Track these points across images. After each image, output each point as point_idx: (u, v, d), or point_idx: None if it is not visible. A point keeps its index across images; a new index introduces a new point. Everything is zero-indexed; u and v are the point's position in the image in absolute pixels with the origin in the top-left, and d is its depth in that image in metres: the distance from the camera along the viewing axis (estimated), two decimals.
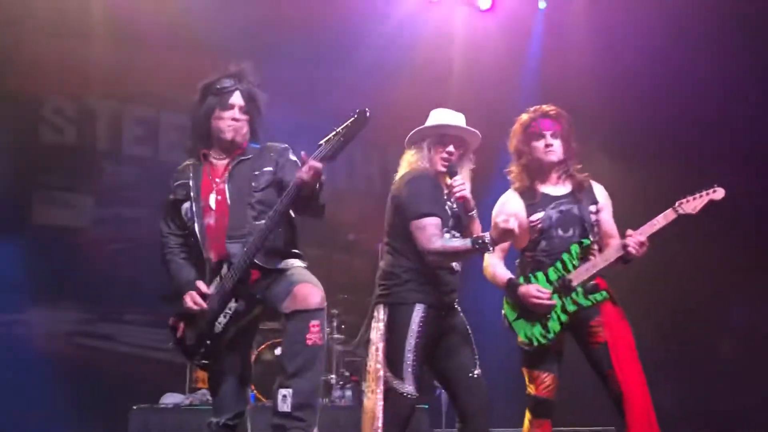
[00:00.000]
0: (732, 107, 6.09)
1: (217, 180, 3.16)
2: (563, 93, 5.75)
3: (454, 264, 3.22)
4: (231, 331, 3.04)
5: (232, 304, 3.02)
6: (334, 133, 2.89)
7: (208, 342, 3.06)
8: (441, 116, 3.35)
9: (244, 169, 3.16)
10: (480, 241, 2.97)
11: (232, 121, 3.15)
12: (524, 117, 3.52)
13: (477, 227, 3.33)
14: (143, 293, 5.62)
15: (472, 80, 6.29)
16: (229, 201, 3.11)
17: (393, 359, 3.13)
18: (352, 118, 2.86)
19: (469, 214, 3.27)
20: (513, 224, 2.89)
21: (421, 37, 6.31)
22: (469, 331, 3.28)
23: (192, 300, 3.05)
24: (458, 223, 3.28)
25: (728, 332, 6.63)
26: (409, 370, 3.11)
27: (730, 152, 6.14)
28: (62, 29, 5.60)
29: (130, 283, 5.90)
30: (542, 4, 6.43)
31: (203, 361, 3.12)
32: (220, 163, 3.20)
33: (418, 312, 3.14)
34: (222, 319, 3.04)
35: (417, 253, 3.15)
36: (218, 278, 3.07)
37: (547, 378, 3.30)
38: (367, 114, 2.85)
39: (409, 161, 3.34)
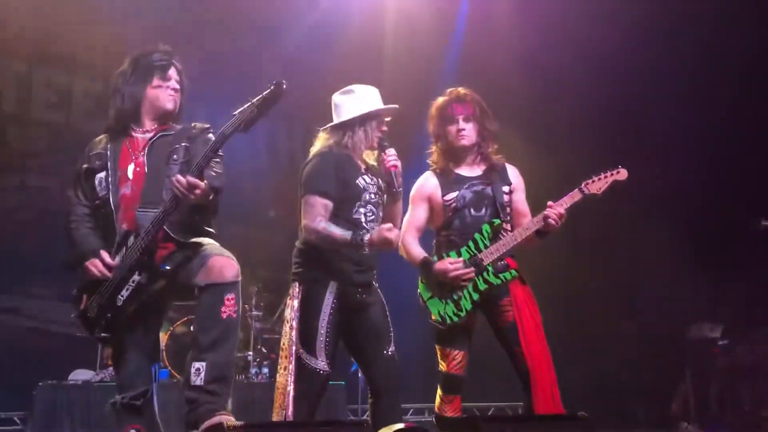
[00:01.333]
0: (654, 95, 6.29)
1: (137, 153, 3.11)
2: (486, 72, 5.85)
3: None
4: (133, 304, 2.96)
5: (135, 277, 2.95)
6: (248, 104, 2.86)
7: (109, 315, 2.98)
8: (366, 95, 3.33)
9: (164, 144, 3.12)
10: (359, 238, 3.03)
11: (172, 91, 3.16)
12: (439, 100, 3.59)
13: (398, 208, 3.34)
14: (50, 265, 5.40)
15: (401, 58, 6.29)
16: (146, 172, 3.06)
17: (306, 336, 3.14)
18: (268, 90, 2.84)
19: (395, 190, 3.27)
20: (394, 235, 2.99)
21: (352, 13, 6.26)
22: (386, 309, 3.30)
23: (96, 268, 2.97)
24: (379, 198, 3.27)
25: (633, 314, 6.93)
26: (322, 346, 3.13)
27: (649, 138, 6.37)
28: None
29: (37, 255, 5.66)
30: None
31: (103, 335, 3.03)
32: (141, 137, 3.15)
33: (331, 289, 3.16)
34: (124, 293, 2.95)
35: None
36: (124, 249, 2.99)
37: (458, 355, 3.38)
38: (284, 86, 2.84)
39: (323, 138, 3.33)
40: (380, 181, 3.29)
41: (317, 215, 3.13)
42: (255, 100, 2.85)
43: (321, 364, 3.12)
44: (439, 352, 3.44)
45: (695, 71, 6.09)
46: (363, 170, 3.27)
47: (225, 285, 2.93)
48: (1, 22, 5.42)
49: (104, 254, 3.00)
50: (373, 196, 3.26)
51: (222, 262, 2.96)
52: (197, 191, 2.84)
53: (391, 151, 3.24)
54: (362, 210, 3.22)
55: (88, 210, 3.12)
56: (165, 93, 3.15)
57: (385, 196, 3.32)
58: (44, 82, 5.97)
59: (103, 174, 3.08)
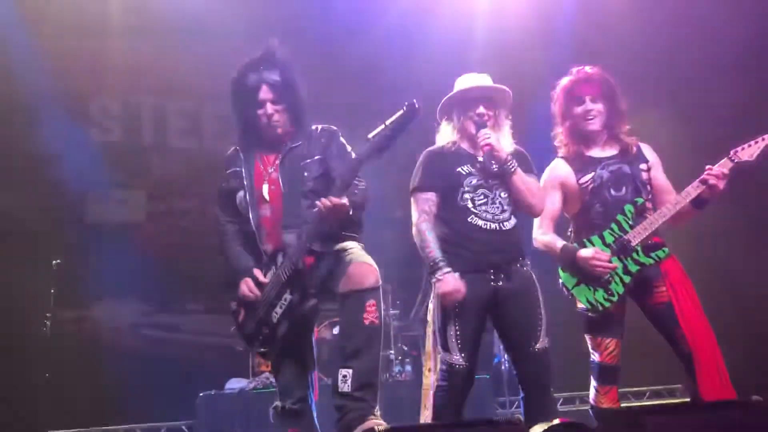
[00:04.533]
0: None
1: (269, 169, 3.15)
2: (598, 51, 5.57)
3: (485, 221, 3.14)
4: (286, 321, 3.04)
5: (287, 296, 3.02)
6: (382, 126, 2.86)
7: (266, 330, 3.08)
8: (462, 81, 3.32)
9: (295, 158, 3.14)
10: (434, 265, 3.04)
11: (266, 119, 3.12)
12: (564, 81, 3.44)
13: (521, 184, 3.17)
14: (202, 282, 5.74)
15: (497, 44, 6.12)
16: (282, 191, 3.11)
17: (440, 332, 3.13)
18: (401, 112, 2.84)
19: (505, 166, 3.15)
20: (457, 291, 3.00)
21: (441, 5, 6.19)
22: (537, 297, 3.14)
23: (247, 287, 3.08)
24: (485, 182, 3.19)
25: None
26: (453, 340, 3.08)
27: None
28: (101, 29, 5.67)
29: (188, 273, 6.02)
30: None
31: (262, 349, 3.15)
32: (271, 152, 3.18)
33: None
34: (278, 310, 3.04)
35: (440, 219, 3.18)
36: (273, 267, 3.08)
37: (611, 344, 3.23)
38: (417, 106, 2.83)
39: (441, 132, 3.34)
40: (488, 164, 3.16)
41: (420, 211, 3.17)
42: (389, 122, 2.84)
43: (455, 358, 3.07)
44: (590, 342, 3.29)
45: None
46: (467, 156, 3.22)
47: (365, 291, 2.96)
48: (132, 63, 5.82)
49: (257, 272, 3.09)
50: (476, 180, 3.18)
51: (362, 268, 2.99)
52: (342, 211, 2.89)
53: (483, 132, 3.14)
54: (467, 196, 3.16)
55: (237, 227, 3.20)
56: (261, 122, 3.11)
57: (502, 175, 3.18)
58: (176, 111, 6.35)
59: (241, 193, 3.15)
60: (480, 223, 3.15)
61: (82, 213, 6.22)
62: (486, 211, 3.15)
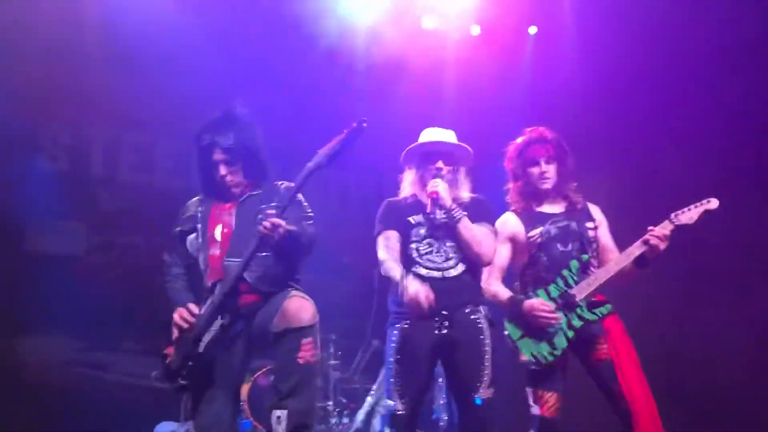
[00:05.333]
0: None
1: (224, 214, 3.18)
2: (554, 111, 5.80)
3: (428, 270, 3.20)
4: (214, 350, 2.97)
5: (218, 321, 2.98)
6: (331, 142, 2.94)
7: (191, 363, 2.98)
8: (426, 134, 3.42)
9: (252, 203, 3.17)
10: (400, 279, 3.04)
11: (221, 178, 3.17)
12: (519, 140, 3.59)
13: (464, 229, 3.21)
14: (138, 321, 5.57)
15: (465, 102, 6.33)
16: (233, 233, 3.12)
17: (386, 378, 3.18)
18: (349, 128, 2.92)
19: (450, 214, 3.20)
20: (422, 300, 2.95)
21: (415, 62, 6.36)
22: (484, 344, 3.15)
23: (180, 315, 3.03)
24: (434, 229, 3.26)
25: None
26: (392, 387, 3.11)
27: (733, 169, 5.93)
28: (55, 55, 5.60)
29: (125, 312, 5.83)
30: (533, 30, 6.52)
31: (182, 382, 3.01)
32: (230, 200, 3.22)
33: (398, 326, 3.17)
34: (206, 337, 2.97)
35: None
36: (210, 299, 3.05)
37: (551, 397, 3.29)
38: (364, 124, 2.90)
39: (404, 181, 3.46)
40: (435, 213, 3.23)
41: (386, 248, 3.23)
42: (338, 136, 2.93)
43: (394, 405, 3.08)
44: (531, 395, 3.33)
45: None
46: (419, 207, 3.31)
47: (301, 329, 2.94)
48: (87, 94, 5.74)
49: (191, 305, 3.06)
50: (424, 229, 3.25)
51: (298, 304, 2.97)
52: (280, 230, 2.87)
53: (433, 181, 3.24)
54: (414, 246, 3.23)
55: (181, 270, 3.23)
56: (217, 178, 3.18)
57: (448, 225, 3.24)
58: (129, 145, 6.24)
59: (193, 236, 3.19)
60: (422, 272, 3.19)
61: (20, 242, 6.00)
62: (430, 260, 3.21)
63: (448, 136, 3.40)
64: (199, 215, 3.19)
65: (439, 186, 3.20)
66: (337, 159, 2.92)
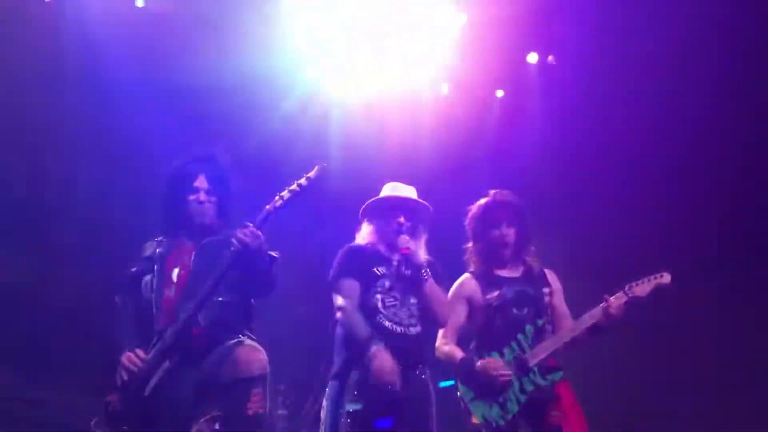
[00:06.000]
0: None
1: (184, 256, 3.12)
2: (519, 175, 5.90)
3: (392, 324, 3.19)
4: (160, 396, 2.86)
5: (166, 364, 2.88)
6: (293, 185, 2.95)
7: (134, 408, 2.88)
8: (389, 188, 3.47)
9: (212, 247, 3.10)
10: (366, 341, 3.04)
11: (197, 204, 3.13)
12: (481, 202, 3.64)
13: (430, 289, 3.26)
14: (81, 358, 5.36)
15: (436, 160, 6.42)
16: (190, 275, 3.05)
17: None
18: (311, 171, 2.95)
19: (420, 272, 3.24)
20: (391, 377, 2.97)
21: (390, 121, 6.47)
22: (430, 405, 3.17)
23: (128, 359, 2.92)
24: (399, 283, 3.28)
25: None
26: None
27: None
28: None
29: (68, 347, 5.62)
30: (500, 93, 6.69)
31: (125, 428, 2.89)
32: (190, 242, 3.16)
33: (351, 381, 3.12)
34: (153, 381, 2.87)
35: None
36: (159, 342, 2.94)
37: None
38: (326, 167, 2.94)
39: (361, 232, 3.45)
40: (403, 268, 3.28)
41: (346, 297, 3.19)
42: (298, 180, 2.94)
43: None
44: None
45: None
46: (383, 258, 3.31)
47: (251, 379, 2.87)
48: (46, 121, 5.68)
49: (139, 351, 2.95)
50: (389, 282, 3.26)
51: (249, 354, 2.91)
52: (258, 240, 2.84)
53: (403, 237, 3.27)
54: (378, 296, 3.23)
55: (133, 313, 3.12)
56: (192, 206, 3.13)
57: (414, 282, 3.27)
58: (86, 178, 6.10)
59: (148, 277, 3.10)
60: (387, 324, 3.19)
61: None
62: (395, 314, 3.21)
63: (409, 191, 3.45)
64: (157, 255, 3.13)
65: (411, 243, 3.25)
66: (296, 201, 2.93)
